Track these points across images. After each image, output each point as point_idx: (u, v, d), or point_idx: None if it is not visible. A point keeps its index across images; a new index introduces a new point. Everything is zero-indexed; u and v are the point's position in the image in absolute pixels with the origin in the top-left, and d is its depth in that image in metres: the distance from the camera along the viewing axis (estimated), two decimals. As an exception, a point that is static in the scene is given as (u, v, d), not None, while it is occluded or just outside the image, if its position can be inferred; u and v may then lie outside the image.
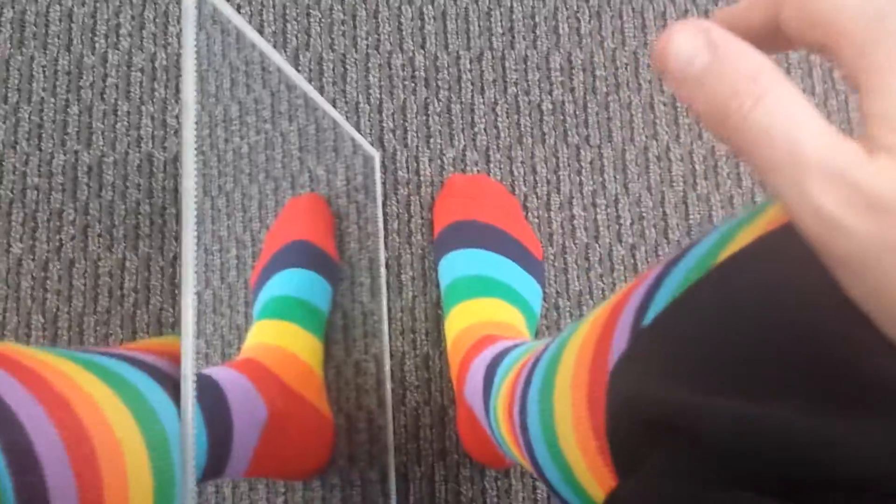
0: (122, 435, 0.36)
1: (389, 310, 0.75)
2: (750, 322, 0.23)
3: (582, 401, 0.32)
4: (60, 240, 0.76)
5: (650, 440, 0.26)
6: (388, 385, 0.73)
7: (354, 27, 0.81)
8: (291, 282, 0.71)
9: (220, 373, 0.58)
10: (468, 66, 0.80)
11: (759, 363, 0.23)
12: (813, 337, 0.21)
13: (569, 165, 0.78)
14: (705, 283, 0.26)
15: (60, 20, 0.80)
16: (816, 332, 0.21)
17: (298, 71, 0.80)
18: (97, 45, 0.80)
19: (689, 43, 0.20)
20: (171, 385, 0.41)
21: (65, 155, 0.77)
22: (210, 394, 0.54)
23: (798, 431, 0.21)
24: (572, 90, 0.80)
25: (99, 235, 0.76)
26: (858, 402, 0.20)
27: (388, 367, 0.73)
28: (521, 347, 0.52)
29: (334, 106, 0.79)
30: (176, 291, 0.75)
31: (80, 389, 0.35)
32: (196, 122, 0.39)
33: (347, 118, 0.79)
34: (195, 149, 0.39)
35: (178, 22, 0.80)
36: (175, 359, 0.44)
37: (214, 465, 0.53)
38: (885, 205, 0.17)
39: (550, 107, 0.79)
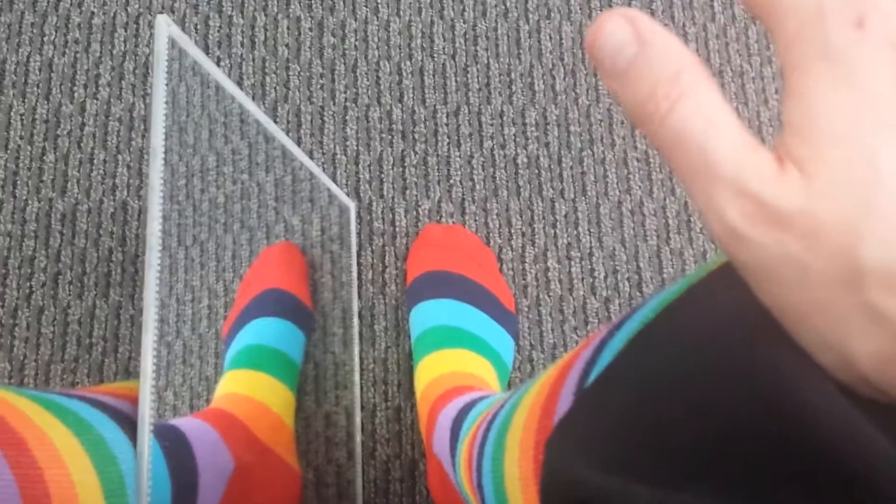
0: (78, 477, 0.35)
1: (361, 360, 0.74)
2: (665, 398, 0.23)
3: (529, 462, 0.32)
4: (31, 287, 0.75)
5: None
6: (359, 438, 0.71)
7: (333, 80, 0.82)
8: (265, 331, 0.70)
9: (187, 423, 0.57)
10: (445, 120, 0.81)
11: (673, 448, 0.23)
12: (724, 419, 0.22)
13: (543, 218, 0.78)
14: (626, 352, 0.27)
15: (41, 70, 0.81)
16: (727, 413, 0.21)
17: (276, 122, 0.81)
18: (76, 94, 0.80)
19: (617, 35, 0.19)
20: (131, 427, 0.41)
21: (39, 202, 0.77)
22: (175, 444, 0.53)
23: None
24: (547, 145, 0.81)
25: (70, 283, 0.75)
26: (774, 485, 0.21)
27: (358, 420, 0.72)
28: (486, 400, 0.51)
29: (311, 157, 0.80)
30: (146, 340, 0.74)
31: (38, 429, 0.35)
32: (164, 159, 0.39)
33: (324, 169, 0.79)
34: (161, 189, 0.39)
35: (159, 73, 0.81)
36: (136, 402, 0.44)
37: (178, 517, 0.51)
38: (787, 220, 0.17)
39: (526, 161, 0.80)
